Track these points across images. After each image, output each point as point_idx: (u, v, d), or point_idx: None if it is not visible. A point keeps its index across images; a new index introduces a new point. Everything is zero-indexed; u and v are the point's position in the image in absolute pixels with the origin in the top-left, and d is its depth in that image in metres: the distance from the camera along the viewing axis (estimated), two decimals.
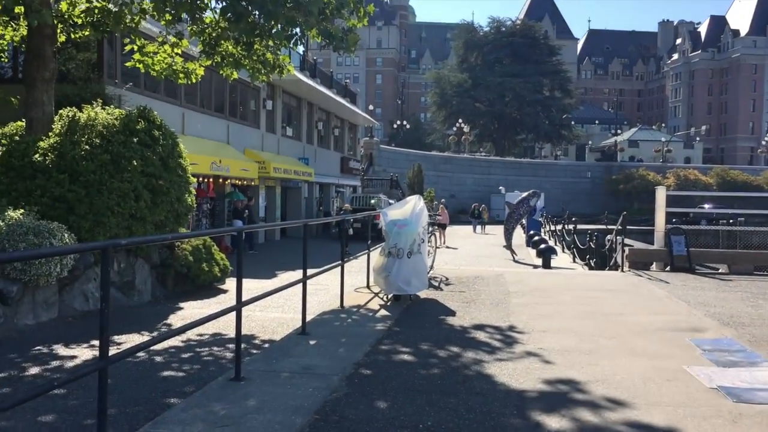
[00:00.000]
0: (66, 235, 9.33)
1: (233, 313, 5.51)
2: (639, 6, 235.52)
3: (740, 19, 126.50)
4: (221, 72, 11.94)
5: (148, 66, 12.04)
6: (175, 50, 12.06)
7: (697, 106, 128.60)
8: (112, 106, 12.19)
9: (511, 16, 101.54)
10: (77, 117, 10.96)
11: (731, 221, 33.34)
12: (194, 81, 12.52)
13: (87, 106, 11.39)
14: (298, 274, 7.93)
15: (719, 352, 7.05)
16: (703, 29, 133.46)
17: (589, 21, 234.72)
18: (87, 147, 10.38)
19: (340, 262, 9.66)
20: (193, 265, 12.11)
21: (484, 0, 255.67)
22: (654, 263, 15.81)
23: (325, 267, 9.44)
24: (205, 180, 21.12)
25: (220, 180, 21.86)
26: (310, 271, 7.76)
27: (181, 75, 12.21)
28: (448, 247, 26.49)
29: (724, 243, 28.15)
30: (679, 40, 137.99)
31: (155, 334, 8.54)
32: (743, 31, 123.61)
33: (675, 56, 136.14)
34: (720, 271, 15.60)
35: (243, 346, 6.41)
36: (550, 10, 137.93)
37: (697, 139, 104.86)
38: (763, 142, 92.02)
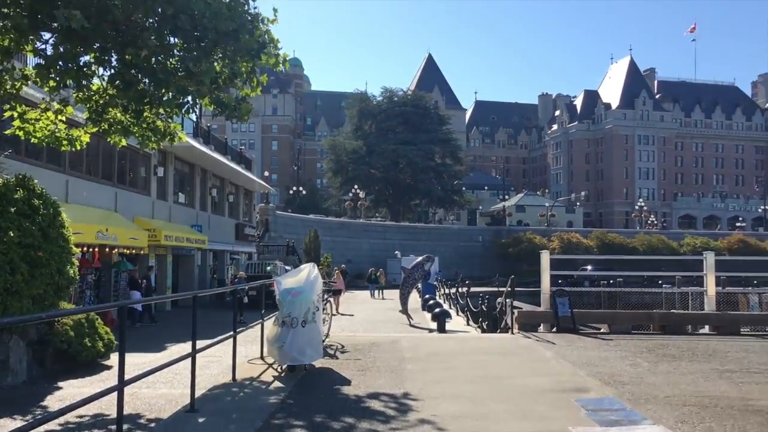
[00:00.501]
0: None
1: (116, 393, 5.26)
2: (521, 80, 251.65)
3: (611, 93, 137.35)
4: (109, 139, 11.63)
5: (29, 133, 11.54)
6: (59, 117, 11.65)
7: (576, 173, 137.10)
8: None
9: (403, 87, 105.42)
10: None
11: (611, 282, 35.32)
12: (79, 148, 12.11)
13: None
14: (188, 346, 7.68)
15: (602, 412, 7.38)
16: (578, 102, 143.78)
17: (476, 93, 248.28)
18: None
19: (232, 333, 9.45)
20: (75, 340, 11.45)
21: (377, 70, 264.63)
22: (542, 324, 16.42)
23: (217, 339, 9.20)
24: (90, 250, 20.20)
25: (107, 249, 20.99)
26: (201, 343, 7.55)
27: (65, 142, 11.76)
28: (342, 314, 26.35)
29: (606, 303, 29.74)
30: (557, 112, 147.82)
31: (30, 418, 7.95)
32: (614, 105, 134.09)
33: (554, 127, 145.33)
34: (602, 330, 16.40)
35: (127, 426, 6.09)
36: (439, 82, 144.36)
37: (578, 204, 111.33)
38: (636, 207, 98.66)
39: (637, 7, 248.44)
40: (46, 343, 11.18)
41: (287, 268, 29.97)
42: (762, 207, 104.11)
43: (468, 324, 22.18)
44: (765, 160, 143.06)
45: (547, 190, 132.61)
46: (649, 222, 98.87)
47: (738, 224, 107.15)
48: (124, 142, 11.98)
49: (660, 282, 36.88)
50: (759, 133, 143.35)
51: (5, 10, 8.68)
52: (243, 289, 17.16)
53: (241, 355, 10.16)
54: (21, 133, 11.67)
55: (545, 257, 16.85)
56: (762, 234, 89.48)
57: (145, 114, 11.07)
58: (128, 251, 22.31)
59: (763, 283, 30.14)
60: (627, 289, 23.88)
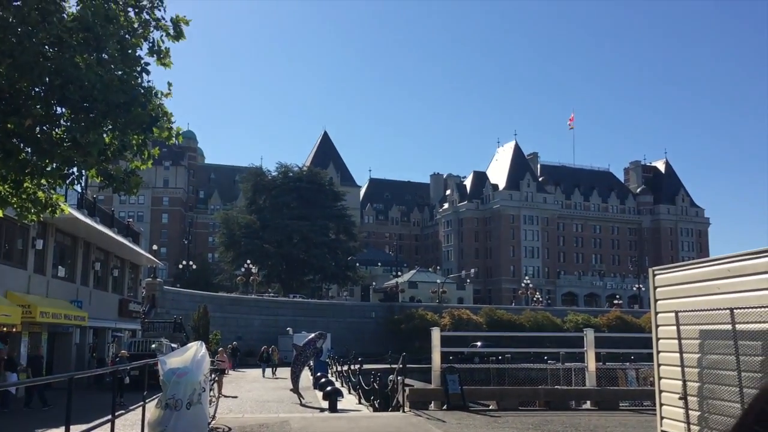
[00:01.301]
0: None
1: None
2: (413, 159, 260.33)
3: (498, 174, 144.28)
4: None
5: None
6: None
7: (467, 250, 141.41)
8: None
9: (299, 163, 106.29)
10: None
11: (500, 358, 36.10)
12: None
13: None
14: None
15: None
16: (468, 182, 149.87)
17: (370, 170, 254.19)
18: None
19: (110, 416, 8.91)
20: None
21: (272, 146, 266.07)
22: (432, 402, 16.51)
23: (94, 423, 8.65)
24: None
25: None
26: (76, 429, 7.07)
27: None
28: (225, 396, 25.21)
29: (495, 379, 30.29)
30: (448, 191, 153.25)
31: None
32: (501, 186, 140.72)
33: (446, 205, 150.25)
34: (491, 407, 16.68)
35: None
36: (334, 159, 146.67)
37: (468, 281, 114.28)
38: (523, 284, 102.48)
39: (522, 94, 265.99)
40: None
41: (174, 346, 28.72)
42: (636, 285, 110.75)
43: (360, 402, 21.91)
44: (637, 241, 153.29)
45: (438, 267, 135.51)
46: (535, 299, 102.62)
47: (615, 301, 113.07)
48: (0, 214, 11.37)
49: (545, 357, 38.08)
50: (631, 216, 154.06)
51: None
52: (124, 369, 16.27)
53: None
54: None
55: (436, 334, 17.12)
56: (637, 311, 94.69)
57: (26, 185, 10.61)
58: None
59: (639, 358, 31.75)
60: (514, 365, 24.51)
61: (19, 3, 8.33)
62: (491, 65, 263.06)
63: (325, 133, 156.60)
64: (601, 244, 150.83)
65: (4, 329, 20.98)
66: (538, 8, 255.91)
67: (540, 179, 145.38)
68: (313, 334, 27.51)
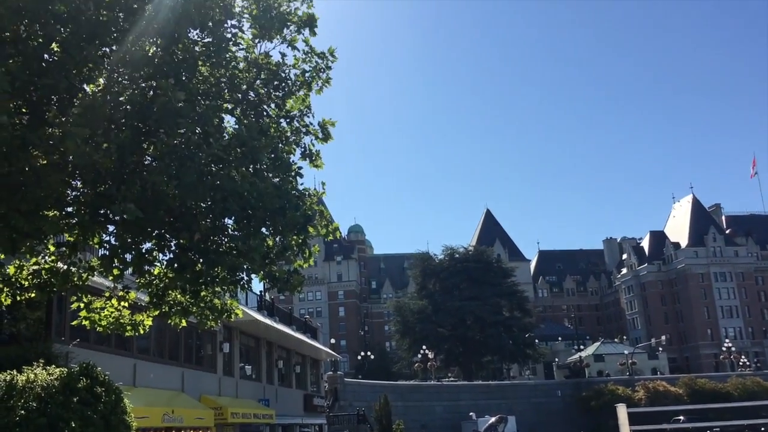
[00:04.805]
0: None
1: None
2: (581, 226, 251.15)
3: (678, 232, 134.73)
4: (169, 321, 11.89)
5: (95, 322, 11.93)
6: (122, 303, 12.07)
7: (654, 316, 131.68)
8: (53, 366, 11.84)
9: (464, 243, 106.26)
10: (15, 380, 10.55)
11: None
12: (142, 333, 12.40)
13: (27, 368, 11.03)
14: None
15: None
16: (645, 244, 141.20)
17: (538, 243, 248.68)
18: (23, 412, 9.86)
19: None
20: None
21: (437, 230, 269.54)
22: None
23: None
24: None
25: (173, 431, 20.76)
26: None
27: (129, 328, 12.10)
28: None
29: None
30: (624, 256, 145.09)
31: None
32: (683, 243, 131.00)
33: (624, 270, 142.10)
34: None
35: None
36: (500, 235, 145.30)
37: (660, 349, 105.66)
38: (724, 348, 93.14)
39: (694, 144, 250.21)
40: None
41: None
42: None
43: None
44: None
45: (625, 337, 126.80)
46: (741, 363, 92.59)
47: None
48: (183, 323, 12.24)
49: (763, 430, 33.78)
50: None
51: (69, 209, 9.32)
52: None
53: None
54: (87, 323, 12.08)
55: (622, 412, 15.66)
56: None
57: (203, 294, 11.37)
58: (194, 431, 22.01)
59: None
60: None
61: (183, 130, 9.16)
62: (655, 118, 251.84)
63: (488, 211, 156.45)
64: None
65: (199, 431, 22.24)
66: (693, 56, 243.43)
67: (727, 231, 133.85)
68: (493, 418, 26.55)
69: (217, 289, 11.18)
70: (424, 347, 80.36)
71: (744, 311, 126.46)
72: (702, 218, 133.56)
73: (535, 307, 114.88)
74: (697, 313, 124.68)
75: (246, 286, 11.34)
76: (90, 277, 11.63)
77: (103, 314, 11.92)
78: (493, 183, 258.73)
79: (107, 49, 9.22)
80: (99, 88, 9.35)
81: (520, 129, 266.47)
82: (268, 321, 30.45)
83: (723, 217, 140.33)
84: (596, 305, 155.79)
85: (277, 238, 10.57)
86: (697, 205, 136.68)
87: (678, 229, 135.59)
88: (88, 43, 8.53)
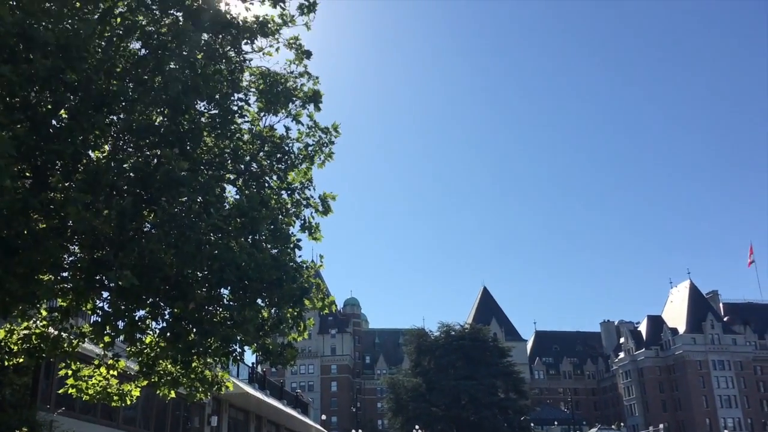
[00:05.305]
0: None
1: None
2: (579, 308, 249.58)
3: (676, 318, 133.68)
4: (158, 392, 11.62)
5: (82, 390, 11.64)
6: (111, 372, 11.81)
7: (652, 403, 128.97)
8: None
9: (460, 321, 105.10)
10: None
11: None
12: (129, 403, 12.09)
13: None
14: None
15: None
16: (642, 328, 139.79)
17: (535, 323, 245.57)
18: None
19: None
20: None
21: (434, 306, 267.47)
22: None
23: None
24: None
25: None
26: None
27: (116, 397, 11.80)
28: None
29: None
30: (622, 340, 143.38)
31: None
32: (681, 329, 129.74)
33: (621, 355, 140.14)
34: None
35: None
36: (496, 314, 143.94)
37: None
38: None
39: (691, 229, 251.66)
40: None
41: None
42: None
43: None
44: None
45: (622, 423, 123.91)
46: None
47: None
48: (173, 394, 11.95)
49: None
50: None
51: (65, 274, 9.24)
52: None
53: None
54: (74, 391, 11.78)
55: None
56: None
57: (194, 364, 11.13)
58: None
59: None
60: None
61: (185, 199, 9.21)
62: (653, 203, 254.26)
63: (485, 289, 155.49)
64: None
65: None
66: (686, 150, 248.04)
67: (725, 319, 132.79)
68: None
69: (209, 360, 10.98)
70: (416, 426, 78.38)
71: (743, 401, 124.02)
72: (700, 305, 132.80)
73: (531, 389, 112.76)
74: (696, 402, 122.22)
75: (239, 357, 11.12)
76: (80, 343, 11.44)
77: (90, 382, 11.65)
78: (491, 261, 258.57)
79: (115, 117, 9.38)
80: (104, 154, 9.46)
81: (521, 208, 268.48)
82: (258, 394, 29.79)
83: (720, 304, 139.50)
84: (593, 389, 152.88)
85: (273, 310, 10.48)
86: (694, 291, 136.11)
87: (676, 314, 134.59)
88: (97, 111, 8.68)
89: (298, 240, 10.88)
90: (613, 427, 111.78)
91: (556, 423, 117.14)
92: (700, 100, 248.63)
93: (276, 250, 10.40)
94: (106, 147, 9.59)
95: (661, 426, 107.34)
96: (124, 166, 9.15)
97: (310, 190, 11.52)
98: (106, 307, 10.19)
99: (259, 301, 10.12)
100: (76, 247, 9.32)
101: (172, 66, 9.32)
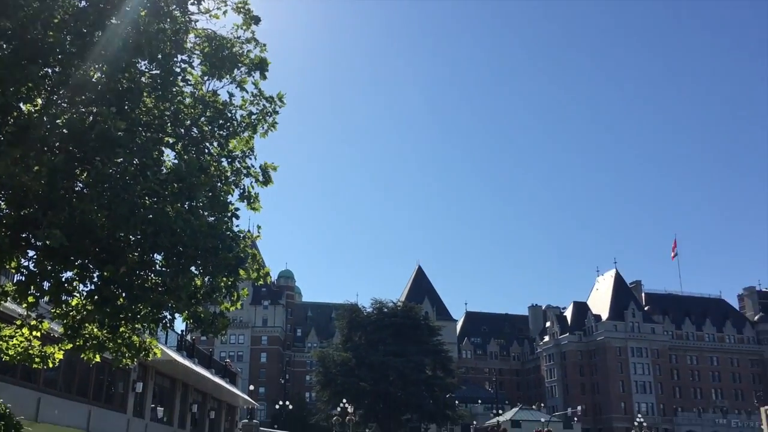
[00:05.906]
0: None
1: None
2: (510, 291, 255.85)
3: (600, 305, 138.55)
4: (83, 355, 11.34)
5: (1, 350, 11.27)
6: (34, 333, 11.46)
7: (572, 386, 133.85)
8: None
9: (393, 298, 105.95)
10: None
11: None
12: (51, 366, 11.77)
13: None
14: None
15: None
16: (568, 313, 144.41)
17: (466, 304, 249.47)
18: None
19: None
20: None
21: (368, 283, 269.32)
22: None
23: None
24: None
25: None
26: None
27: (37, 359, 11.47)
28: None
29: None
30: (548, 324, 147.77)
31: None
32: (604, 316, 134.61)
33: (546, 338, 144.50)
34: None
35: None
36: (429, 293, 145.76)
37: (575, 419, 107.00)
38: (636, 423, 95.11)
39: (619, 220, 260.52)
40: None
41: None
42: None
43: None
44: (762, 374, 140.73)
45: (542, 404, 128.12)
46: None
47: None
48: (97, 358, 11.67)
49: None
50: (751, 346, 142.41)
51: None
52: None
53: None
54: None
55: None
56: None
57: (122, 329, 10.90)
58: None
59: None
60: None
61: (120, 160, 8.94)
62: (584, 193, 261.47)
63: (420, 268, 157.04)
64: (720, 377, 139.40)
65: None
66: (622, 144, 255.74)
67: (646, 308, 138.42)
68: None
69: (137, 325, 10.77)
70: (344, 400, 78.96)
71: (657, 387, 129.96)
72: (623, 293, 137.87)
73: (458, 368, 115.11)
74: (612, 386, 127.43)
75: (168, 324, 10.95)
76: (2, 302, 11.05)
77: (11, 343, 11.29)
78: (426, 241, 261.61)
79: (50, 70, 9.00)
80: (36, 108, 9.08)
81: (456, 190, 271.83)
82: (186, 362, 29.43)
83: (643, 294, 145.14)
84: (517, 370, 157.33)
85: (206, 278, 10.34)
86: (619, 280, 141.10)
87: (600, 301, 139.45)
88: (31, 62, 8.30)
89: (236, 209, 10.72)
90: (533, 407, 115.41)
91: (480, 401, 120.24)
92: (625, 93, 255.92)
93: (213, 218, 10.24)
94: (39, 100, 9.19)
95: (579, 407, 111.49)
96: (57, 121, 8.81)
97: (251, 159, 11.32)
98: (31, 266, 9.87)
99: (192, 268, 9.97)
100: (2, 203, 8.96)
101: (113, 21, 8.99)
